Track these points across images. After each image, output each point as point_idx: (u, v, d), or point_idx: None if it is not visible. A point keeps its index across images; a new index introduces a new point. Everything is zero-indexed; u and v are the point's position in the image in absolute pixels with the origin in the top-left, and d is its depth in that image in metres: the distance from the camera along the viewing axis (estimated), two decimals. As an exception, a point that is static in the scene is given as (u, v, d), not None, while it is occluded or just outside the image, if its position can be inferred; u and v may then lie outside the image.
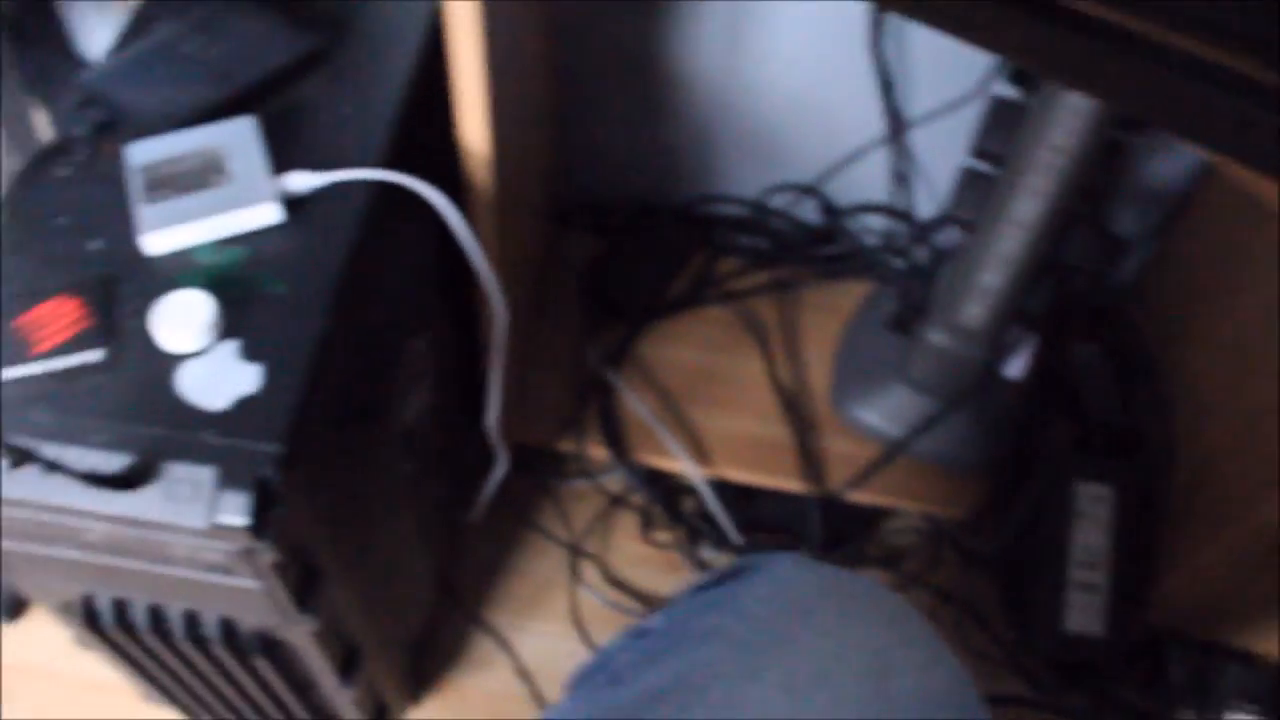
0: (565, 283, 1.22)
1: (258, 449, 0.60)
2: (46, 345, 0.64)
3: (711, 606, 0.59)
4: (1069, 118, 0.79)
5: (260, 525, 0.59)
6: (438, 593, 1.08)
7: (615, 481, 1.18)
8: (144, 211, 0.68)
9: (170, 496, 0.59)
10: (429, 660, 1.08)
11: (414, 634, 1.02)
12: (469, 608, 1.11)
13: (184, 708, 0.94)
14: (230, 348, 0.64)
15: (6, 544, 0.68)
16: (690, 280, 1.25)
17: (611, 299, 1.20)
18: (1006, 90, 0.87)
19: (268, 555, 0.61)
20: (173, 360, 0.63)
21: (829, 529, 1.14)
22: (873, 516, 1.17)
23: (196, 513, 0.59)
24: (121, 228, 0.69)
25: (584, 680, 0.67)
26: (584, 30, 1.13)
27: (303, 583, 0.69)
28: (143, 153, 0.71)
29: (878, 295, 1.23)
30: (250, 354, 0.63)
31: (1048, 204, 0.87)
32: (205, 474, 0.59)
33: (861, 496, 1.12)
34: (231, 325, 0.64)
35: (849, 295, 1.25)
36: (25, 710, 1.05)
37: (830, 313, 1.24)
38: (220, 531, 0.59)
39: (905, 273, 1.20)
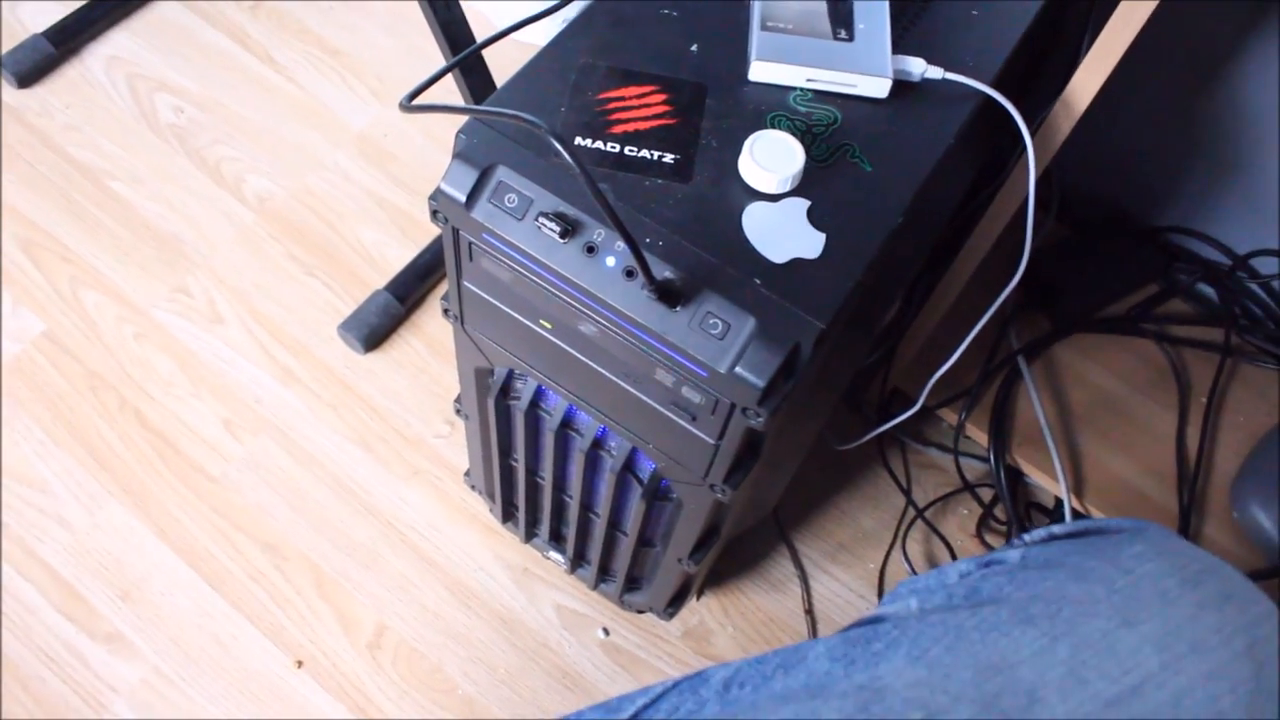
0: (1011, 256, 1.14)
1: (802, 318, 0.57)
2: (624, 128, 0.63)
3: (1081, 553, 0.56)
4: None
5: (771, 391, 0.57)
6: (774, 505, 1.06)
7: (971, 468, 1.12)
8: (758, 36, 0.65)
9: (700, 327, 0.57)
10: (728, 560, 1.06)
11: (738, 533, 1.01)
12: (786, 528, 1.09)
13: (505, 505, 0.95)
14: (801, 205, 0.60)
15: (488, 297, 0.68)
16: (1134, 306, 1.15)
17: (1052, 291, 1.12)
18: None
19: (758, 421, 0.59)
20: (745, 195, 0.60)
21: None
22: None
23: (720, 353, 0.57)
24: (725, 42, 0.67)
25: (922, 592, 0.62)
26: (1160, 18, 1.03)
27: (743, 456, 0.67)
28: (777, -23, 0.68)
29: (1330, 406, 1.10)
30: (818, 220, 0.60)
31: None
32: (746, 320, 0.56)
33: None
34: (808, 183, 0.61)
35: (1293, 392, 1.13)
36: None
37: (1266, 401, 1.12)
38: (731, 381, 0.57)
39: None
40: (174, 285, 1.19)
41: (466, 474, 1.01)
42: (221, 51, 1.37)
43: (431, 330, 1.17)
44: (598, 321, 0.62)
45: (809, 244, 0.59)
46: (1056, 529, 0.61)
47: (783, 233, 0.59)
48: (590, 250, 0.59)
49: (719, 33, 0.68)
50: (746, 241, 0.59)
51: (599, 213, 0.57)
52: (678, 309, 0.57)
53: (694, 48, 0.67)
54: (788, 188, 0.61)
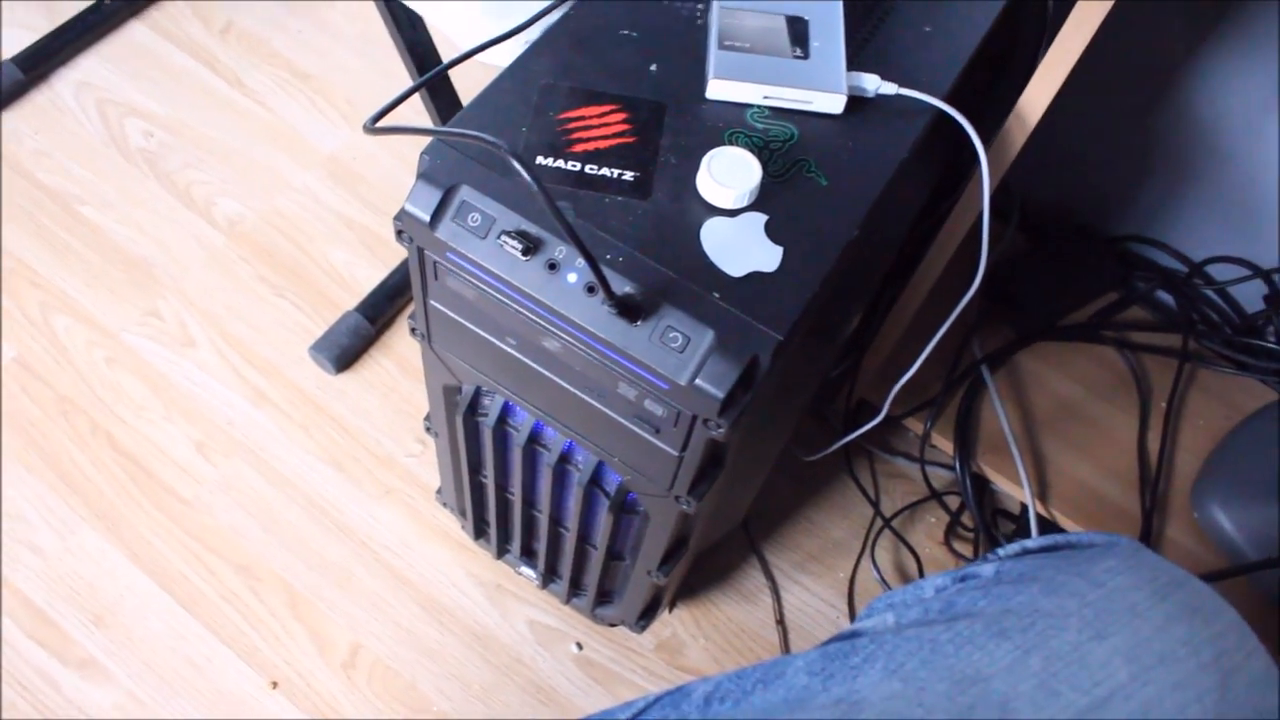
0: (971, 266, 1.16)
1: (760, 330, 0.58)
2: (585, 147, 0.64)
3: (1054, 568, 0.58)
4: None
5: (731, 402, 0.58)
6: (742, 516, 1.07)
7: (937, 477, 1.14)
8: (715, 55, 0.67)
9: (660, 341, 0.58)
10: (700, 572, 1.07)
11: (707, 545, 1.02)
12: (756, 540, 1.10)
13: (477, 522, 0.96)
14: (759, 220, 0.62)
15: (453, 315, 0.69)
16: (1094, 314, 1.17)
17: (1013, 300, 1.14)
18: None
19: (718, 432, 0.60)
20: (703, 211, 0.62)
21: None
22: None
23: (680, 366, 0.58)
24: (684, 61, 0.68)
25: (899, 606, 0.63)
26: (1111, 30, 1.05)
27: (706, 467, 0.68)
28: (732, -4, 0.70)
29: (1287, 408, 1.13)
30: (775, 233, 0.61)
31: None
32: (705, 333, 0.58)
33: (1184, 601, 1.04)
34: (765, 198, 0.63)
35: (1251, 395, 1.15)
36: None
37: (1225, 404, 1.14)
38: (691, 393, 0.58)
39: (1336, 400, 1.09)
40: (145, 309, 1.19)
41: (438, 492, 1.02)
42: (191, 76, 1.38)
43: (402, 350, 1.18)
44: (560, 337, 0.63)
45: (767, 257, 0.61)
46: (1030, 543, 0.62)
47: (741, 247, 0.61)
48: (552, 267, 0.60)
49: (678, 52, 0.69)
50: (705, 256, 0.60)
51: (560, 230, 0.58)
52: (638, 323, 0.59)
53: (653, 67, 0.68)
54: (745, 203, 0.62)
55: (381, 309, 1.18)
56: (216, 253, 1.23)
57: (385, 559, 1.06)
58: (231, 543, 1.06)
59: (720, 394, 0.57)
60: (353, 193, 1.29)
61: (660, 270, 0.59)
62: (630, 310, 0.58)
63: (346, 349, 1.15)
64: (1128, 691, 0.51)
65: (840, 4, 0.71)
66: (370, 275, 1.22)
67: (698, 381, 0.58)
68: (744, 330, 0.58)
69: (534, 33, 0.71)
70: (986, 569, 0.60)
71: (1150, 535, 1.06)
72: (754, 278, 0.60)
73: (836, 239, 0.62)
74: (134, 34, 1.40)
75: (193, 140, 1.32)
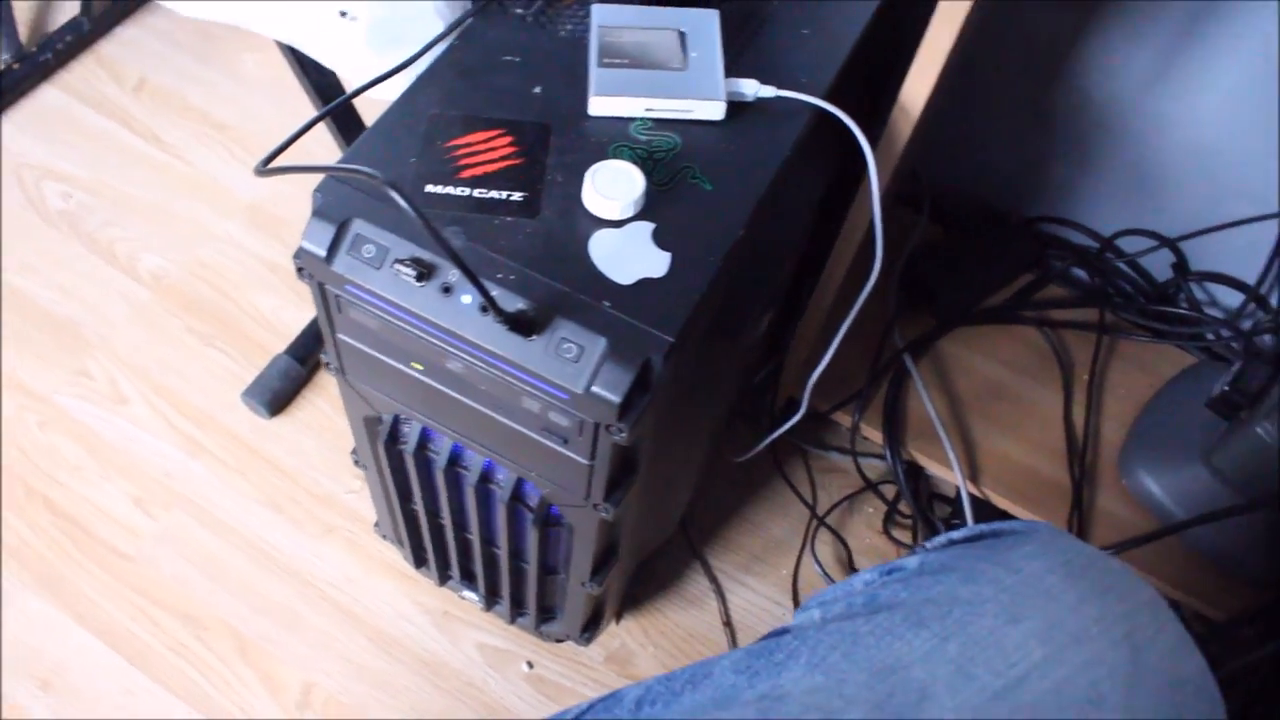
0: (892, 262, 1.19)
1: (651, 334, 0.59)
2: (473, 172, 0.66)
3: (974, 556, 0.59)
4: None
5: (628, 406, 0.60)
6: (679, 522, 1.08)
7: (870, 468, 1.16)
8: (596, 73, 0.69)
9: (555, 352, 0.60)
10: (643, 582, 1.08)
11: (647, 554, 1.03)
12: (697, 544, 1.11)
13: (415, 550, 0.96)
14: (646, 229, 0.63)
15: (361, 346, 0.70)
16: (1012, 295, 1.20)
17: (931, 290, 1.16)
18: None
19: (620, 437, 0.61)
20: (591, 224, 0.63)
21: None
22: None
23: (576, 375, 0.59)
24: (566, 81, 0.70)
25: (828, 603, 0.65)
26: (1003, 22, 1.08)
27: (618, 474, 0.69)
28: (606, 15, 0.71)
29: (1202, 370, 1.16)
30: (662, 240, 0.63)
31: None
32: (597, 342, 0.59)
33: (1120, 564, 1.06)
34: (651, 207, 0.64)
35: (1169, 360, 1.18)
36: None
37: (1144, 371, 1.17)
38: (589, 400, 0.60)
39: (1246, 357, 1.12)
40: (74, 369, 1.19)
41: (376, 525, 1.02)
42: (107, 135, 1.38)
43: (334, 389, 1.19)
44: (462, 358, 0.64)
45: (655, 264, 0.62)
46: (955, 535, 0.63)
47: (629, 256, 0.62)
48: (446, 290, 0.62)
49: (561, 74, 0.71)
50: (594, 267, 0.62)
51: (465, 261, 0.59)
52: (533, 338, 0.60)
53: (537, 89, 0.70)
54: (631, 213, 0.64)
55: (311, 350, 1.18)
56: (143, 308, 1.24)
57: (331, 596, 1.06)
58: (176, 594, 1.06)
59: (616, 398, 0.59)
60: (275, 237, 1.30)
61: (551, 285, 0.61)
62: (523, 325, 0.60)
63: (279, 392, 1.15)
64: (1042, 671, 0.52)
65: (717, 14, 0.73)
66: (298, 318, 1.23)
67: (594, 389, 0.59)
68: (636, 336, 0.59)
69: (421, 66, 0.73)
70: (911, 561, 0.62)
71: (1081, 506, 1.08)
72: (644, 284, 0.61)
73: (723, 240, 0.64)
74: (46, 98, 1.41)
75: (112, 199, 1.32)
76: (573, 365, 0.60)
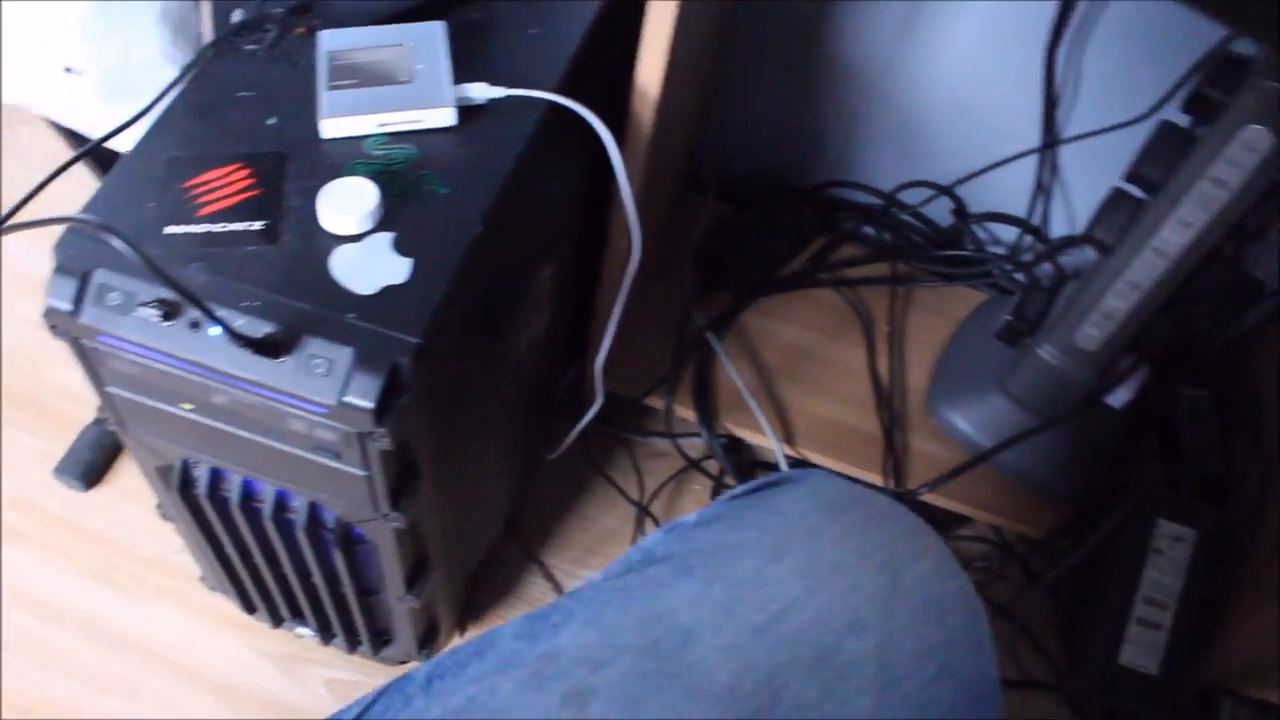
0: (683, 244, 1.22)
1: (396, 338, 0.61)
2: (211, 209, 0.66)
3: (748, 507, 0.63)
4: (1241, 153, 0.78)
5: (384, 410, 0.61)
6: (504, 525, 1.10)
7: (693, 446, 1.19)
8: (326, 96, 0.70)
9: (306, 369, 0.61)
10: (482, 592, 1.09)
11: (474, 562, 1.04)
12: (530, 546, 1.13)
13: (242, 595, 0.96)
14: (386, 238, 0.65)
15: (130, 395, 0.70)
16: (807, 261, 1.25)
17: (725, 266, 1.20)
18: (1178, 117, 0.86)
19: (383, 442, 0.63)
20: (330, 241, 0.65)
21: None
22: (946, 521, 1.17)
23: (328, 388, 0.61)
24: (301, 109, 0.71)
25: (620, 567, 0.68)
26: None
27: (401, 480, 0.70)
28: (333, 41, 0.73)
29: (992, 305, 1.22)
30: (403, 247, 0.65)
31: (1195, 236, 0.86)
32: (343, 353, 0.60)
33: (937, 499, 1.12)
34: (390, 217, 0.66)
35: (963, 301, 1.24)
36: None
37: (941, 315, 1.23)
38: (345, 410, 0.61)
39: (1026, 286, 1.19)
40: (-126, 475, 1.15)
41: (202, 577, 1.01)
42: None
43: (152, 450, 1.17)
44: (223, 389, 0.64)
45: (396, 270, 0.64)
46: (738, 490, 0.66)
47: (370, 267, 0.64)
48: (195, 326, 0.62)
49: (294, 102, 0.72)
50: (336, 283, 0.63)
51: (187, 291, 0.60)
52: (283, 359, 0.61)
53: (272, 121, 0.71)
54: (369, 225, 0.65)
55: (122, 416, 1.16)
56: (-60, 402, 1.20)
57: (172, 658, 1.04)
58: (11, 690, 1.03)
59: (369, 404, 0.60)
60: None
61: (296, 305, 0.62)
62: (271, 348, 0.61)
63: (90, 464, 1.13)
64: (803, 602, 0.55)
65: (443, 25, 0.75)
66: (106, 386, 1.20)
67: (346, 398, 0.60)
68: (382, 342, 0.61)
69: (157, 113, 0.73)
70: (690, 517, 0.65)
71: (895, 449, 1.13)
72: (387, 292, 0.63)
73: (461, 238, 0.65)
74: None
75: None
76: (324, 379, 0.61)
